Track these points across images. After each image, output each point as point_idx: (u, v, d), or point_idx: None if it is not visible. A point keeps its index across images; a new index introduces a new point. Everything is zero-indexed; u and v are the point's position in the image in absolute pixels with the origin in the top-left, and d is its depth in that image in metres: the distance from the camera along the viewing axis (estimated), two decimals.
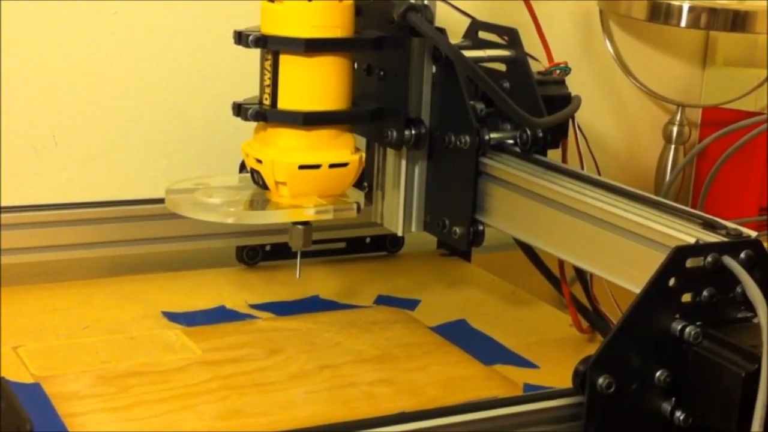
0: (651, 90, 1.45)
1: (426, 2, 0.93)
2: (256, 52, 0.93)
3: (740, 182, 1.41)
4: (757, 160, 1.39)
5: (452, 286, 1.16)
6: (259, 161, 0.93)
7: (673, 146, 1.43)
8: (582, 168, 1.02)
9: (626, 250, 0.82)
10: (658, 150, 1.45)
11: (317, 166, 0.92)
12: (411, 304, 1.10)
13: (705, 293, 0.73)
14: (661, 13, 1.32)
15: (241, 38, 0.91)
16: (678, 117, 1.43)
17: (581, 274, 1.03)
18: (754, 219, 1.39)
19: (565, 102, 1.00)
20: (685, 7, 1.29)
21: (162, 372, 0.91)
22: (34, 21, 1.14)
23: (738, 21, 1.30)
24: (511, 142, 0.98)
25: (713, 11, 1.29)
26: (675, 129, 1.43)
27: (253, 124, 0.95)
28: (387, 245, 1.23)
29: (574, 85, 1.04)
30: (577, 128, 1.03)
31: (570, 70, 1.04)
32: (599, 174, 1.08)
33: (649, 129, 1.49)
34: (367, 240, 1.22)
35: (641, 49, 1.47)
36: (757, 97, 1.41)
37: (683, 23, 1.31)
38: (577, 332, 1.04)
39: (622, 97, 1.47)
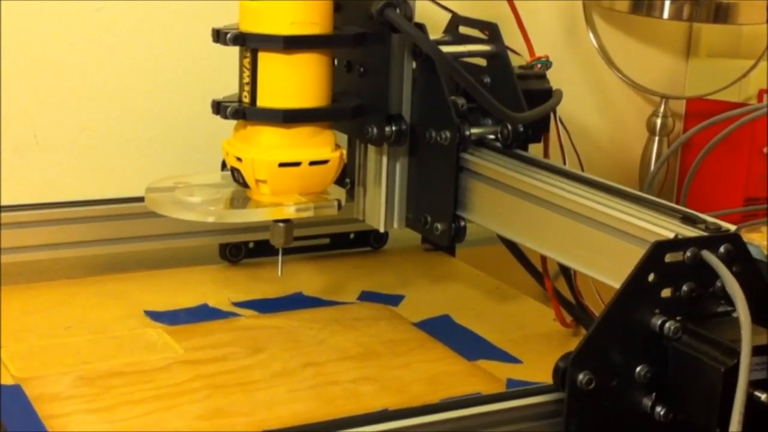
0: (635, 82, 1.44)
1: None
2: (237, 50, 0.93)
3: (726, 173, 1.42)
4: (741, 151, 1.40)
5: (436, 281, 1.16)
6: (240, 159, 0.92)
7: (657, 138, 1.43)
8: (564, 162, 1.02)
9: (606, 245, 0.82)
10: (643, 142, 1.45)
11: (297, 164, 0.92)
12: (395, 300, 1.10)
13: (684, 288, 0.73)
14: (643, 6, 1.32)
15: (219, 36, 0.91)
16: (662, 109, 1.43)
17: (565, 269, 1.03)
18: (739, 210, 1.39)
19: (546, 96, 1.00)
20: None
21: (144, 372, 0.91)
22: (14, 20, 1.14)
23: (720, 12, 1.30)
24: (492, 137, 0.98)
25: (696, 3, 1.29)
26: (659, 121, 1.43)
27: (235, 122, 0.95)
28: (371, 241, 1.23)
29: (557, 78, 1.04)
30: (558, 122, 1.03)
31: (551, 63, 1.04)
32: (582, 168, 1.08)
33: (633, 121, 1.49)
34: (351, 236, 1.22)
35: (625, 41, 1.47)
36: (741, 87, 1.41)
37: (666, 15, 1.30)
38: (560, 326, 1.04)
39: (606, 89, 1.47)
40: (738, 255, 0.74)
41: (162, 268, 1.14)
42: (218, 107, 0.92)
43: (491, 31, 1.00)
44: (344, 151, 0.96)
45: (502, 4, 1.05)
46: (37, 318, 1.01)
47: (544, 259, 1.01)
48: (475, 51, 1.00)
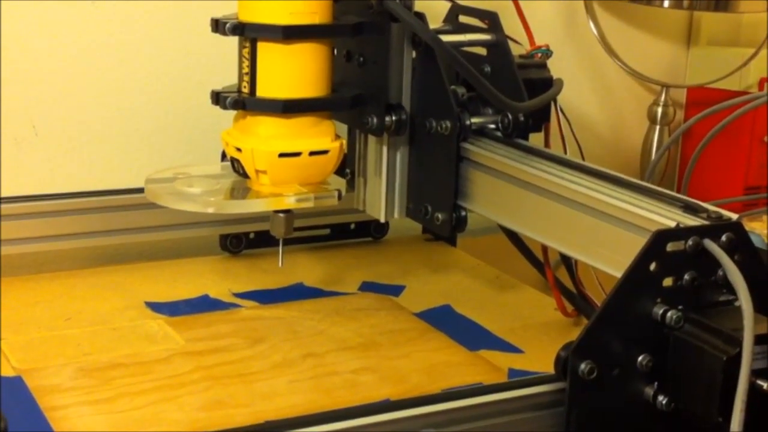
0: (635, 71, 1.44)
1: None
2: (237, 40, 0.92)
3: (726, 162, 1.41)
4: (742, 140, 1.39)
5: (437, 271, 1.16)
6: (239, 150, 0.92)
7: (657, 127, 1.43)
8: (565, 151, 1.02)
9: (607, 234, 0.81)
10: (643, 131, 1.45)
11: (297, 154, 0.92)
12: (396, 290, 1.09)
13: (686, 277, 0.73)
14: None
15: (218, 26, 0.90)
16: (662, 97, 1.43)
17: (566, 258, 1.02)
18: (740, 199, 1.38)
19: (546, 85, 1.00)
20: None
21: (144, 363, 0.91)
22: (11, 12, 1.13)
23: (721, 1, 1.30)
24: (492, 126, 0.98)
25: None
26: (659, 110, 1.42)
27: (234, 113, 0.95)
28: (372, 231, 1.23)
29: (557, 67, 1.03)
30: (559, 111, 1.02)
31: (552, 53, 1.03)
32: (583, 157, 1.08)
33: (633, 110, 1.49)
34: (352, 226, 1.22)
35: (625, 29, 1.46)
36: (742, 76, 1.41)
37: (666, 3, 1.30)
38: (562, 316, 1.04)
39: (607, 78, 1.47)
40: (740, 244, 0.74)
41: (162, 259, 1.14)
42: (217, 98, 0.92)
43: (491, 20, 0.99)
44: (344, 142, 0.96)
45: None
46: (37, 309, 1.01)
47: (545, 249, 1.01)
48: (475, 40, 0.99)
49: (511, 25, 1.02)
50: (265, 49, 0.90)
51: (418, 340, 0.98)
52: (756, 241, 0.78)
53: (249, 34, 0.90)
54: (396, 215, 1.00)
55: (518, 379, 0.81)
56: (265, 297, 1.06)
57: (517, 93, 0.96)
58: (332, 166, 0.95)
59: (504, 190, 0.91)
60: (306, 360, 0.93)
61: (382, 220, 1.01)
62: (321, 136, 0.93)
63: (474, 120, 0.96)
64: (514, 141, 0.95)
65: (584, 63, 1.45)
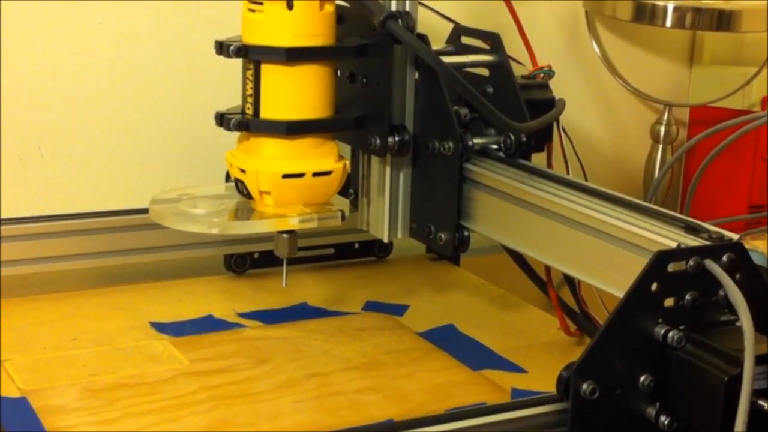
0: (638, 90, 1.44)
1: (407, 8, 0.93)
2: (241, 62, 0.93)
3: (730, 180, 1.41)
4: (745, 159, 1.40)
5: (441, 290, 1.16)
6: (243, 171, 0.93)
7: (660, 146, 1.43)
8: (567, 171, 1.02)
9: (609, 254, 0.82)
10: (646, 150, 1.45)
11: (301, 175, 0.92)
12: (399, 310, 1.10)
13: (688, 297, 0.73)
14: (646, 14, 1.32)
15: (222, 48, 0.91)
16: (665, 116, 1.43)
17: (569, 278, 1.03)
18: (744, 217, 1.39)
19: (549, 105, 1.00)
20: (670, 7, 1.29)
21: (149, 384, 0.91)
22: (18, 32, 1.14)
23: (723, 20, 1.30)
24: (495, 147, 0.98)
25: (698, 11, 1.29)
26: (662, 129, 1.42)
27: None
28: (376, 251, 1.23)
29: (560, 86, 1.04)
30: (561, 131, 1.03)
31: (554, 73, 1.04)
32: (585, 176, 1.08)
33: (636, 129, 1.49)
34: (356, 246, 1.22)
35: (628, 49, 1.47)
36: (745, 95, 1.41)
37: (668, 23, 1.30)
38: (565, 335, 1.04)
39: (610, 97, 1.47)
40: (741, 264, 0.74)
41: (167, 280, 1.14)
42: (222, 119, 0.92)
43: (493, 41, 1.00)
44: (347, 162, 0.96)
45: (505, 14, 1.06)
46: (42, 330, 1.01)
47: (547, 268, 1.01)
48: (477, 61, 1.00)
49: (513, 46, 1.02)
50: (268, 71, 0.91)
51: (422, 360, 0.99)
52: (758, 260, 0.78)
53: (253, 56, 0.91)
54: (399, 235, 1.01)
55: (521, 399, 0.81)
56: (269, 317, 1.07)
57: (519, 113, 0.96)
58: (336, 187, 0.95)
59: (506, 211, 0.92)
60: (310, 380, 0.93)
61: (386, 240, 1.01)
62: (324, 157, 0.94)
63: (476, 140, 0.97)
64: (516, 161, 0.96)
65: (587, 83, 1.45)
